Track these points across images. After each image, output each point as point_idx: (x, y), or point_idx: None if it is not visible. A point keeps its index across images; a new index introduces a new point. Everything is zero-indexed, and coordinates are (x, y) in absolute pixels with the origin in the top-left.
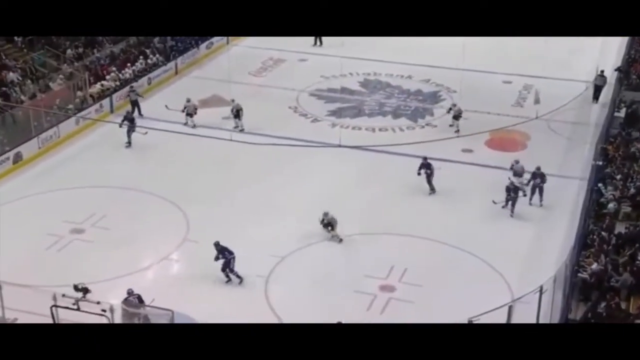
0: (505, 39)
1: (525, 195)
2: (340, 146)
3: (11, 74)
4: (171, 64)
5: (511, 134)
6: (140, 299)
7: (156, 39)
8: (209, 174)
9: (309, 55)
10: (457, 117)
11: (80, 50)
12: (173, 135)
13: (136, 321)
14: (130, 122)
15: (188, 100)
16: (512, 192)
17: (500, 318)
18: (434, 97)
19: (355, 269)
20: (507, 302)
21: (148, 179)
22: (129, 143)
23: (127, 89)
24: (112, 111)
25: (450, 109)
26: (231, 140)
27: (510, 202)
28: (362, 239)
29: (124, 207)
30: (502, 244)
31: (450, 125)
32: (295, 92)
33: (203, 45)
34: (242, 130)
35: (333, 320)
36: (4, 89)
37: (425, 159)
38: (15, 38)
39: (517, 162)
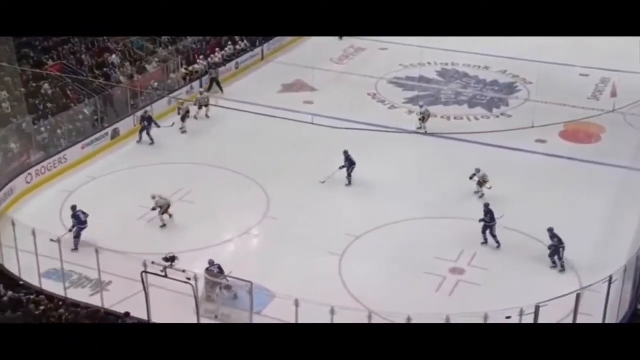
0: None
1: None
2: (416, 132)
3: (113, 56)
4: (258, 50)
5: (586, 126)
6: (220, 270)
7: None
8: (290, 155)
9: (389, 44)
10: (423, 119)
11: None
12: (258, 117)
13: (217, 290)
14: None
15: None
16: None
17: (568, 305)
18: (510, 88)
19: (427, 251)
20: (576, 290)
21: (233, 157)
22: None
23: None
24: (201, 93)
25: (422, 114)
26: (312, 123)
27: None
28: (434, 222)
29: (209, 183)
30: (573, 232)
31: (419, 128)
32: (375, 79)
33: None
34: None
35: (402, 298)
36: (105, 70)
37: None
38: None
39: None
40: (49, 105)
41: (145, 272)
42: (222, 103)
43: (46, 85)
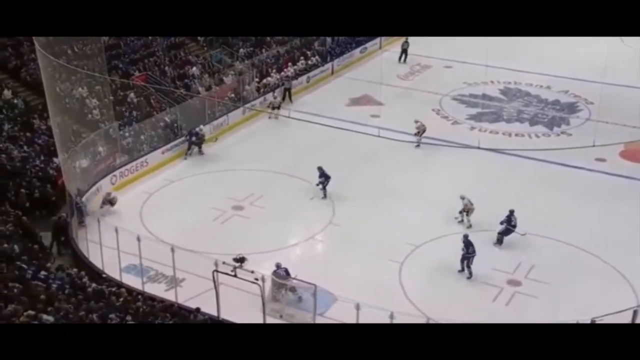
0: None
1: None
2: (478, 148)
3: (193, 68)
4: (328, 65)
5: None
6: (287, 272)
7: (316, 42)
8: (356, 165)
9: (454, 63)
10: (418, 133)
11: (251, 49)
12: (326, 128)
13: (283, 292)
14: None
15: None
16: None
17: (624, 320)
18: (571, 108)
19: (485, 262)
20: (633, 307)
21: (302, 166)
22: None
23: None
24: (275, 97)
25: (417, 128)
26: (378, 136)
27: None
28: (493, 234)
29: (278, 189)
30: (630, 248)
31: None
32: (439, 95)
33: (357, 50)
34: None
35: (459, 307)
36: (185, 81)
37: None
38: (198, 37)
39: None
40: (134, 112)
41: (217, 271)
42: (294, 115)
43: (132, 94)
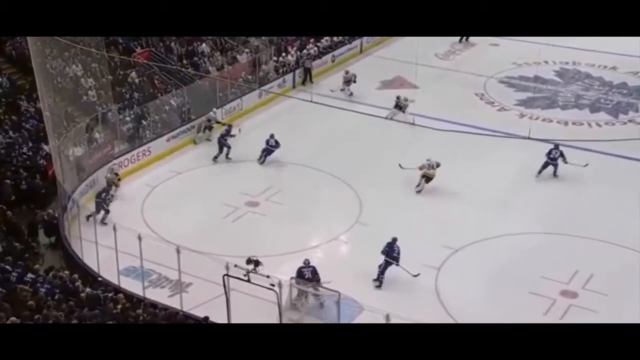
0: None
1: None
2: (528, 138)
3: (203, 45)
4: (356, 42)
5: None
6: (314, 272)
7: None
8: (387, 157)
9: (501, 40)
10: (400, 107)
11: None
12: (353, 115)
13: (303, 299)
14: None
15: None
16: None
17: None
18: None
19: (532, 268)
20: None
21: (325, 157)
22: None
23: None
24: (294, 86)
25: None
26: (413, 124)
27: None
28: (543, 238)
29: (298, 183)
30: None
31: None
32: (484, 78)
33: None
34: (350, 94)
35: (504, 320)
36: (194, 59)
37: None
38: None
39: None
40: (135, 94)
41: (228, 275)
42: (317, 99)
43: (133, 74)
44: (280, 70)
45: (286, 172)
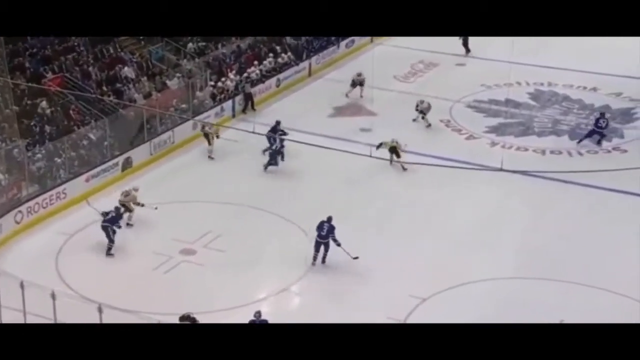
0: None
1: None
2: (501, 170)
3: (126, 68)
4: (304, 64)
5: None
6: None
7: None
8: (342, 194)
9: (468, 59)
10: (423, 112)
11: (202, 44)
12: (302, 147)
13: None
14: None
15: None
16: None
17: None
18: (626, 115)
19: (518, 321)
20: None
21: (273, 196)
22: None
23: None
24: (234, 115)
25: (417, 106)
26: (370, 156)
27: None
28: (527, 284)
29: (241, 227)
30: None
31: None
32: (449, 102)
33: (343, 44)
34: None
35: None
36: (117, 85)
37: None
38: None
39: None
40: (46, 127)
41: None
42: (260, 129)
43: (44, 103)
44: (218, 97)
45: (226, 214)
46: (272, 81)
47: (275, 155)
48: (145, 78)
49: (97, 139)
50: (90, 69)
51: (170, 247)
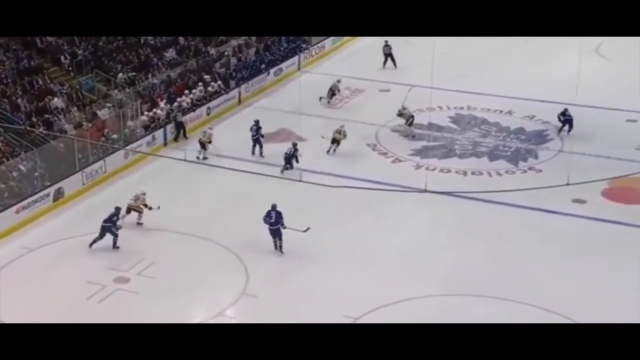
0: (628, 68)
1: None
2: (425, 191)
3: (55, 99)
4: (234, 92)
5: (636, 183)
6: None
7: (218, 64)
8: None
9: (392, 85)
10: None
11: (133, 74)
12: (232, 174)
13: None
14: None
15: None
16: None
17: None
18: (540, 137)
19: None
20: None
21: (204, 222)
22: None
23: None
24: (165, 144)
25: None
26: (300, 180)
27: None
28: (453, 301)
29: (175, 254)
30: (619, 311)
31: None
32: (375, 127)
33: (271, 72)
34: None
35: None
36: (46, 116)
37: None
38: (62, 60)
39: None
40: None
41: None
42: (191, 157)
43: None
44: (150, 126)
45: (160, 241)
46: (203, 110)
47: (290, 159)
48: (75, 108)
49: (28, 170)
50: (19, 100)
51: (104, 275)
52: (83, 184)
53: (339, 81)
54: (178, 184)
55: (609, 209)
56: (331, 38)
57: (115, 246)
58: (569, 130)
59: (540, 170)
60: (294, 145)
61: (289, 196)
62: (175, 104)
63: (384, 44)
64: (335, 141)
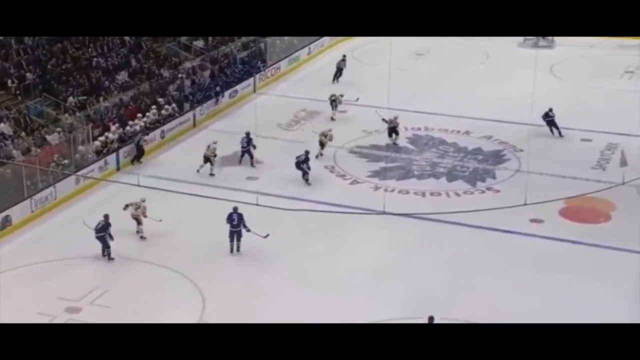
0: (583, 88)
1: None
2: (384, 213)
3: (2, 124)
4: (188, 115)
5: (592, 202)
6: None
7: (172, 86)
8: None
9: (349, 107)
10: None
11: (83, 98)
12: (190, 197)
13: None
14: None
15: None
16: None
17: None
18: (497, 157)
19: None
20: None
21: (159, 248)
22: None
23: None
24: (118, 169)
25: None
26: (257, 204)
27: None
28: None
29: (128, 282)
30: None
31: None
32: (332, 148)
33: (226, 94)
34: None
35: None
36: None
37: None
38: (9, 84)
39: None
40: None
41: None
42: (145, 182)
43: None
44: (102, 151)
45: (112, 270)
46: (157, 133)
47: (301, 165)
48: (23, 134)
49: None
50: None
51: (55, 306)
52: (32, 212)
53: (342, 95)
54: (128, 209)
55: (566, 228)
56: (286, 59)
57: (107, 256)
58: (559, 132)
59: (498, 191)
60: (307, 153)
61: (245, 219)
62: (128, 127)
63: (340, 58)
64: (322, 144)
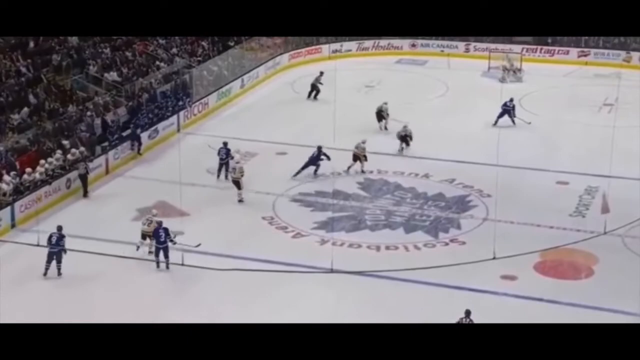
0: (559, 125)
1: None
2: (332, 271)
3: None
4: (100, 160)
5: (571, 255)
6: None
7: (82, 124)
8: (152, 310)
9: (289, 147)
10: (405, 138)
11: None
12: (101, 258)
13: None
14: None
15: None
16: None
17: None
18: (461, 204)
19: None
20: None
21: (64, 314)
22: None
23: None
24: (13, 225)
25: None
26: (182, 264)
27: None
28: None
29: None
30: None
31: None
32: (272, 196)
33: (145, 135)
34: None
35: None
36: None
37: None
38: None
39: None
40: None
41: None
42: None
43: None
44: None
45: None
46: (62, 182)
47: (314, 161)
48: None
49: None
50: None
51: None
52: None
53: (385, 103)
54: (32, 273)
55: (542, 285)
56: (215, 93)
57: (59, 273)
58: (513, 120)
59: (464, 243)
60: (319, 148)
61: (169, 282)
62: (25, 176)
63: (318, 74)
64: (356, 158)
